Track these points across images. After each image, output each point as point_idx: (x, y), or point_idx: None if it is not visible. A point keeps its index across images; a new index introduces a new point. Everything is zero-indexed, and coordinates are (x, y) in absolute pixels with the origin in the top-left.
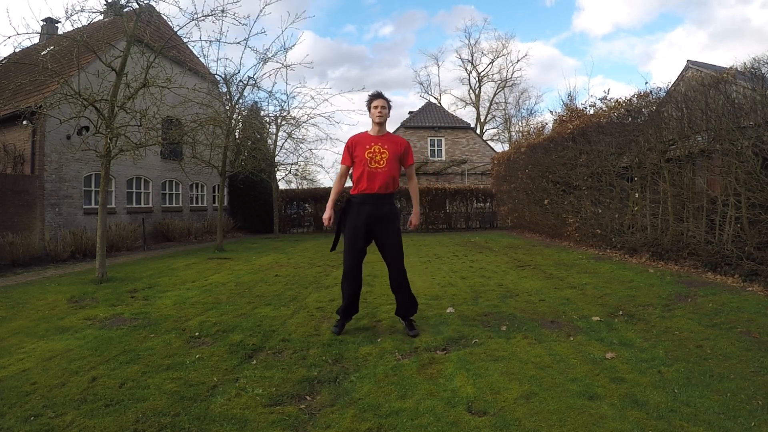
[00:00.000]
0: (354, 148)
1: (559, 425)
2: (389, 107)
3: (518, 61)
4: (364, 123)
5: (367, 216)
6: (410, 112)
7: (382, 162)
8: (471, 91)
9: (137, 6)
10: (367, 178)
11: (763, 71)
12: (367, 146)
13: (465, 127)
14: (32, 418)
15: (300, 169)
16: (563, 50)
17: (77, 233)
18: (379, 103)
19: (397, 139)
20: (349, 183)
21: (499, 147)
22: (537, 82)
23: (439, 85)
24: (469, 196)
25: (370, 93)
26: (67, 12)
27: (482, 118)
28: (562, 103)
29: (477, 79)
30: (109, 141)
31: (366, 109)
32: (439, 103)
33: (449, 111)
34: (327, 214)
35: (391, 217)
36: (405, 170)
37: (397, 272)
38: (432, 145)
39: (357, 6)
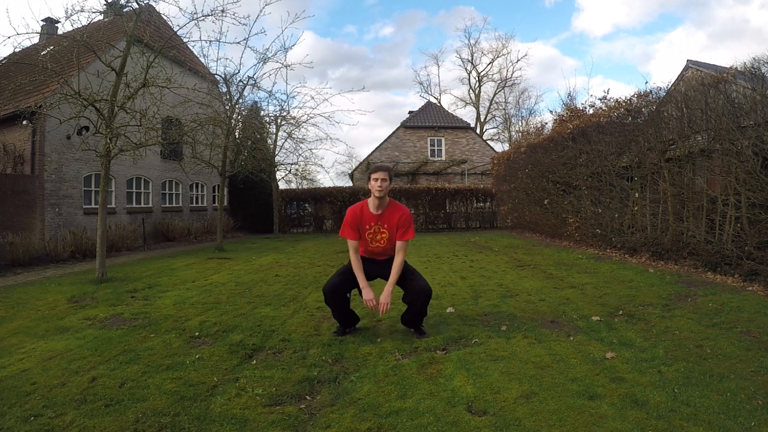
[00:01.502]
0: (355, 223)
1: (559, 425)
2: (390, 179)
3: (518, 60)
4: (364, 123)
5: (370, 271)
6: (410, 112)
7: (382, 241)
8: (471, 91)
9: (137, 6)
10: (370, 252)
11: (763, 71)
12: (367, 226)
13: (465, 127)
14: (32, 418)
15: (300, 169)
16: (563, 50)
17: (77, 233)
18: (379, 175)
19: (395, 213)
20: None
21: (499, 147)
22: (537, 82)
23: (439, 85)
24: (469, 196)
25: (373, 164)
26: (67, 12)
27: (482, 118)
28: (562, 103)
29: (477, 79)
30: (109, 141)
31: (366, 179)
32: (439, 103)
33: (449, 111)
34: (369, 295)
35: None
36: (397, 243)
37: (425, 295)
38: (432, 144)
39: (357, 6)
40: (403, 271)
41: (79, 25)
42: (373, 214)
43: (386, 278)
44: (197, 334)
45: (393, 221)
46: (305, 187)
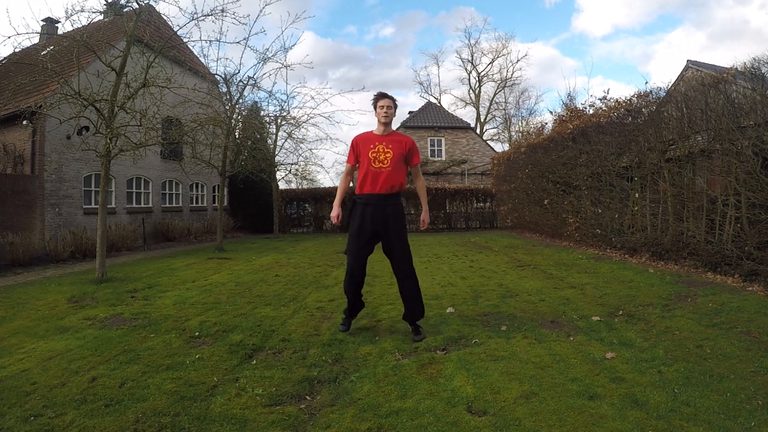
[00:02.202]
0: (358, 146)
1: (559, 425)
2: (395, 106)
3: (518, 60)
4: (364, 123)
5: (371, 217)
6: (410, 112)
7: (386, 162)
8: (471, 91)
9: (137, 6)
10: (371, 179)
11: (763, 71)
12: (371, 146)
13: (465, 127)
14: (32, 418)
15: (300, 169)
16: (563, 51)
17: (77, 233)
18: (385, 102)
19: (402, 138)
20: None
21: (499, 147)
22: (537, 82)
23: (439, 85)
24: (469, 196)
25: (375, 93)
26: (67, 12)
27: (482, 118)
28: (562, 103)
29: (477, 79)
30: (109, 141)
31: (372, 108)
32: (439, 103)
33: (449, 111)
34: (335, 212)
35: (397, 218)
36: (410, 169)
37: (404, 274)
38: (432, 145)
39: (358, 7)
40: (397, 243)
41: (79, 25)
42: (379, 135)
43: (392, 248)
44: (197, 334)
45: (398, 144)
46: (305, 187)
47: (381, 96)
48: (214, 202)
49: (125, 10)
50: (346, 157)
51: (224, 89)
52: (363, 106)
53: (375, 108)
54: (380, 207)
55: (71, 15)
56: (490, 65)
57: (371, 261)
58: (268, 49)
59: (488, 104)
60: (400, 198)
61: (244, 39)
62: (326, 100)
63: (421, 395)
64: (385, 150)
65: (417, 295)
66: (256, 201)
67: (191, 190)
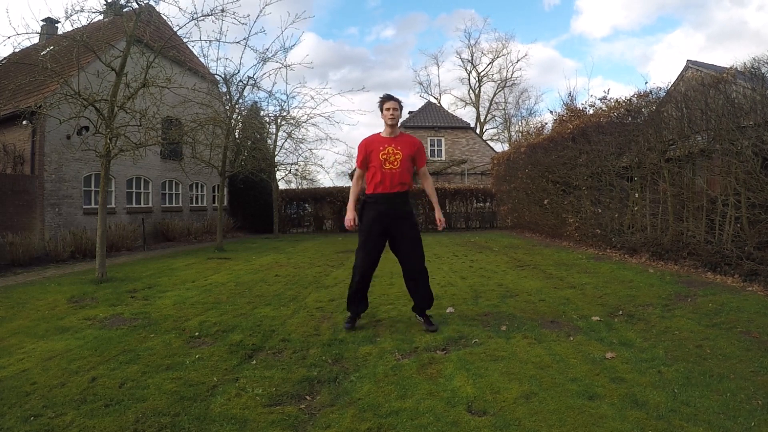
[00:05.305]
0: (368, 150)
1: (559, 425)
2: (400, 108)
3: (518, 61)
4: (364, 123)
5: (382, 215)
6: (410, 112)
7: (396, 163)
8: (471, 91)
9: (137, 6)
10: (382, 179)
11: (762, 71)
12: (381, 148)
13: (465, 127)
14: (32, 418)
15: (300, 169)
16: (563, 52)
17: (77, 233)
18: (390, 105)
19: (410, 139)
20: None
21: (499, 147)
22: (537, 82)
23: (439, 85)
24: (469, 196)
25: (381, 96)
26: (66, 12)
27: (482, 118)
28: (562, 103)
29: (477, 79)
30: (108, 141)
31: (378, 110)
32: (439, 103)
33: (449, 111)
34: (350, 215)
35: (407, 214)
36: (418, 171)
37: (416, 270)
38: (432, 144)
39: (359, 8)
40: (409, 237)
41: (79, 25)
42: (387, 138)
43: (404, 243)
44: (197, 334)
45: (406, 145)
46: (305, 187)
47: (386, 98)
48: (214, 202)
49: (125, 10)
50: (355, 162)
51: (224, 89)
52: (363, 107)
53: (381, 110)
54: (390, 204)
55: (71, 15)
56: (490, 65)
57: None
58: (268, 49)
59: (488, 104)
60: (408, 195)
61: (244, 39)
62: (326, 100)
63: (421, 395)
64: (395, 151)
65: (427, 287)
66: (256, 201)
67: (191, 190)
